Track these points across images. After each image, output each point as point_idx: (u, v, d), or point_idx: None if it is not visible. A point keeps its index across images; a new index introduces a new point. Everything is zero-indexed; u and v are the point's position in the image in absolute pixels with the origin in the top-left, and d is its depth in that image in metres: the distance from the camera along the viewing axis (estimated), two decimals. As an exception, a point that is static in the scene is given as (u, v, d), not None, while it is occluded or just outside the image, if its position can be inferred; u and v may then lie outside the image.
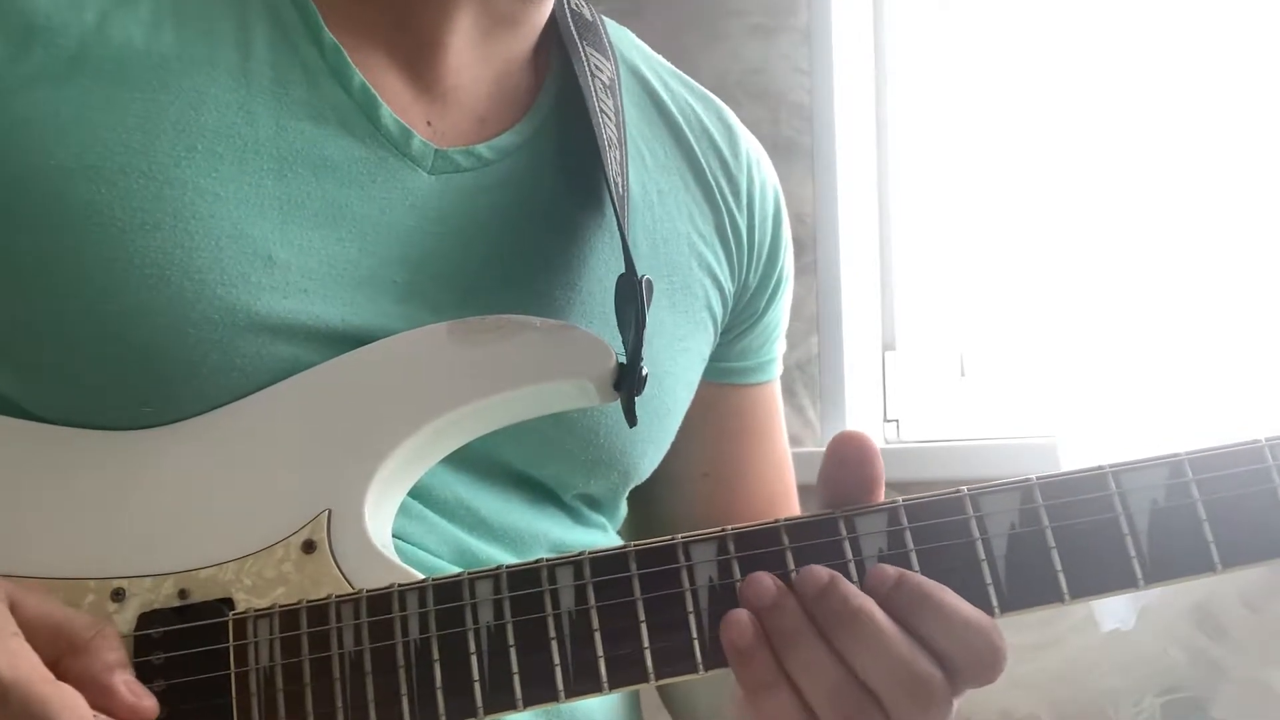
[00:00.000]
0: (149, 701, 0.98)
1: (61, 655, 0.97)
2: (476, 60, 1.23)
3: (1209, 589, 2.15)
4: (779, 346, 1.47)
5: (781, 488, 1.48)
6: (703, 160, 1.35)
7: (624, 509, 1.33)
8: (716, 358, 1.37)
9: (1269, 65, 2.33)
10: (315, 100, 1.15)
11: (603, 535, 1.29)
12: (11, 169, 1.07)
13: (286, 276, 1.10)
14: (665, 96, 1.36)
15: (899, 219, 2.72)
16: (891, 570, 0.98)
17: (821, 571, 0.97)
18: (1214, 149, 2.35)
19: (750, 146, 1.41)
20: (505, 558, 1.17)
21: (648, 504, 1.38)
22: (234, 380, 1.08)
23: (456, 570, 1.12)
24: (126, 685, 0.98)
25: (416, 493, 1.12)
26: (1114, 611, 2.14)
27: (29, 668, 0.93)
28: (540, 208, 1.22)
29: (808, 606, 0.97)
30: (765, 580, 0.98)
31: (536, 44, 1.28)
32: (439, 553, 1.14)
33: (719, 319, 1.35)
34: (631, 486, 1.29)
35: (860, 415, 2.62)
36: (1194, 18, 2.38)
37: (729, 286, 1.35)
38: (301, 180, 1.13)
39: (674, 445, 1.32)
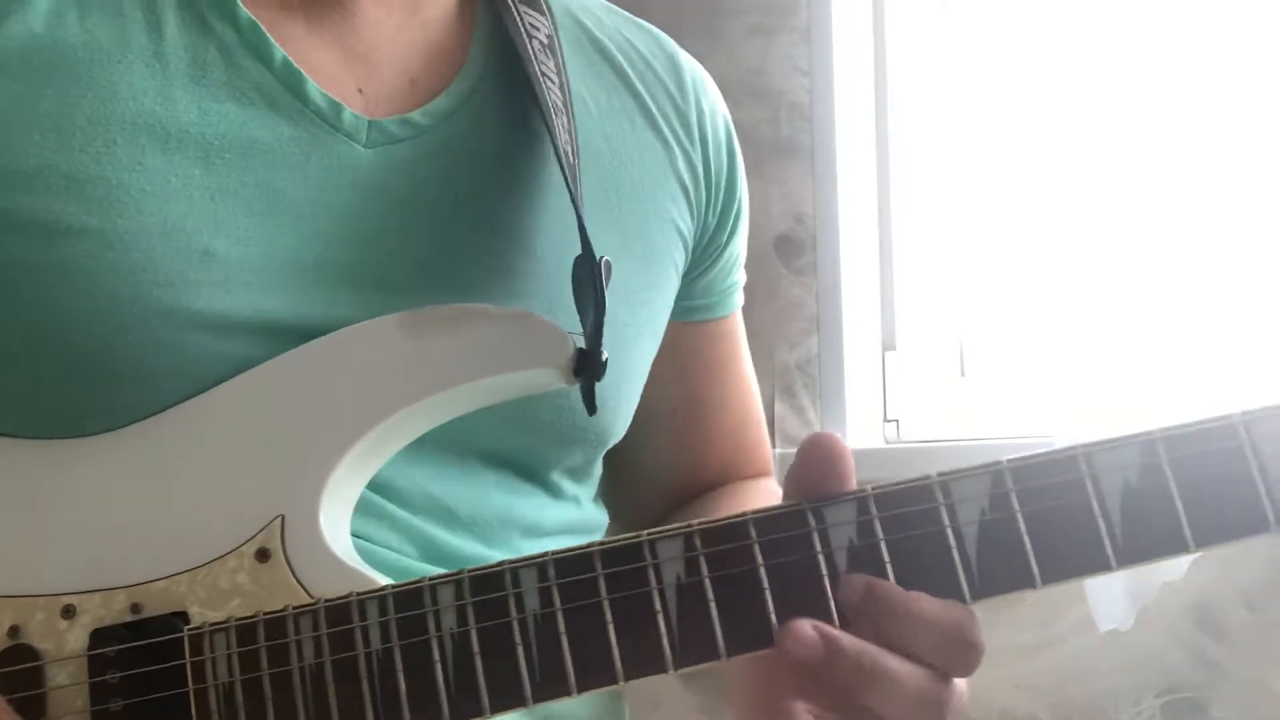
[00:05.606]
0: None
1: None
2: (393, 18, 1.19)
3: (1208, 589, 2.13)
4: (739, 275, 1.43)
5: (750, 415, 1.46)
6: (649, 99, 1.30)
7: (599, 470, 1.30)
8: (679, 297, 1.33)
9: (1269, 65, 2.32)
10: (237, 80, 1.11)
11: (577, 510, 1.26)
12: None
13: (226, 270, 1.06)
14: (603, 36, 1.31)
15: (899, 219, 2.70)
16: (858, 583, 0.96)
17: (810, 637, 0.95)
18: (1214, 149, 2.34)
19: (695, 75, 1.36)
20: (474, 548, 1.14)
21: (619, 450, 1.32)
22: (184, 383, 1.05)
23: (424, 566, 1.10)
24: None
25: (377, 487, 1.09)
26: (1111, 612, 2.12)
27: None
28: (486, 172, 1.17)
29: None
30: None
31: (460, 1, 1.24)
32: (403, 550, 1.11)
33: (680, 265, 1.31)
34: (608, 448, 1.26)
35: (860, 415, 2.60)
36: (1194, 17, 2.37)
37: (688, 228, 1.31)
38: (231, 167, 1.08)
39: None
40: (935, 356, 2.63)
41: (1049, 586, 0.96)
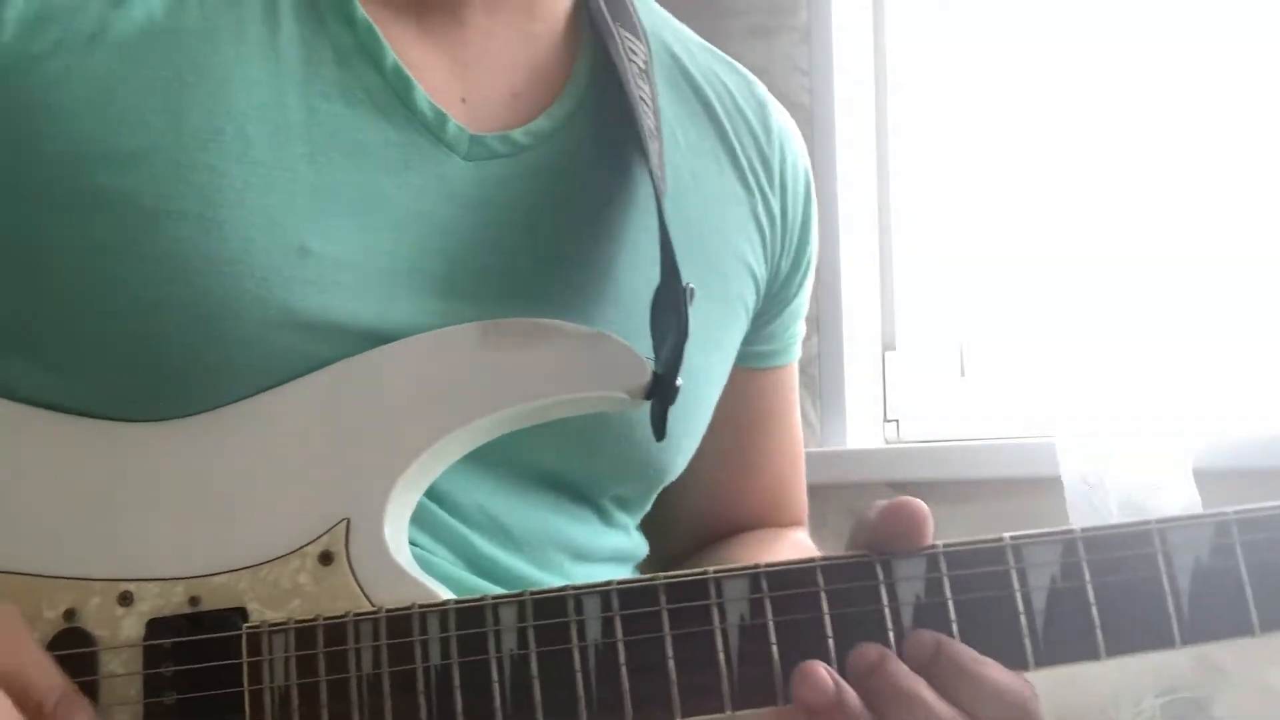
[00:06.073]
0: None
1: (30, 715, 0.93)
2: (503, 29, 1.18)
3: None
4: (801, 326, 1.43)
5: (794, 467, 1.47)
6: (735, 140, 1.29)
7: (649, 503, 1.29)
8: (743, 341, 1.32)
9: (1269, 65, 2.34)
10: (347, 81, 1.10)
11: (625, 537, 1.25)
12: (29, 152, 1.02)
13: (321, 269, 1.05)
14: (696, 72, 1.30)
15: (899, 219, 2.70)
16: (929, 639, 0.95)
17: (870, 651, 0.95)
18: (1214, 148, 2.36)
19: (782, 123, 1.35)
20: (523, 567, 1.13)
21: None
22: (263, 380, 1.04)
23: (471, 577, 1.10)
24: None
25: (434, 496, 1.08)
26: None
27: (9, 716, 0.91)
28: (577, 196, 1.17)
29: (860, 687, 0.94)
30: (821, 676, 0.94)
31: (567, 20, 1.23)
32: (451, 560, 1.10)
33: (750, 308, 1.30)
34: (664, 485, 1.25)
35: (860, 415, 2.60)
36: (1194, 17, 2.39)
37: (761, 273, 1.30)
38: (335, 166, 1.07)
39: None
40: (935, 356, 2.64)
41: (1111, 659, 0.96)
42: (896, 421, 2.64)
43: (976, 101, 2.61)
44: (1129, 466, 2.11)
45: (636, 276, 1.16)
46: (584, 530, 1.19)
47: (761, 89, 1.36)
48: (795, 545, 1.40)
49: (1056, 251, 2.48)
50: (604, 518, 1.22)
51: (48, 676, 0.95)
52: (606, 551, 1.22)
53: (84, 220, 1.02)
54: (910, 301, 2.69)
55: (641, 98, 1.19)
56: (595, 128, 1.20)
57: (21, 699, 0.93)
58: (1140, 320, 2.33)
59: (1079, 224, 2.45)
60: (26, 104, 1.03)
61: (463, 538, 1.11)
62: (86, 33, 1.04)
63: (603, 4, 1.24)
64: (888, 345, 2.67)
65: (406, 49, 1.13)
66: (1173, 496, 2.04)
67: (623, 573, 1.24)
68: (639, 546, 1.28)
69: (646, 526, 1.31)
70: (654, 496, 1.28)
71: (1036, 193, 2.52)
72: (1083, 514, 2.10)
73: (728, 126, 1.29)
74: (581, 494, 1.19)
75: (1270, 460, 2.17)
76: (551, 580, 1.13)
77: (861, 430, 2.59)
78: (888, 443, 2.62)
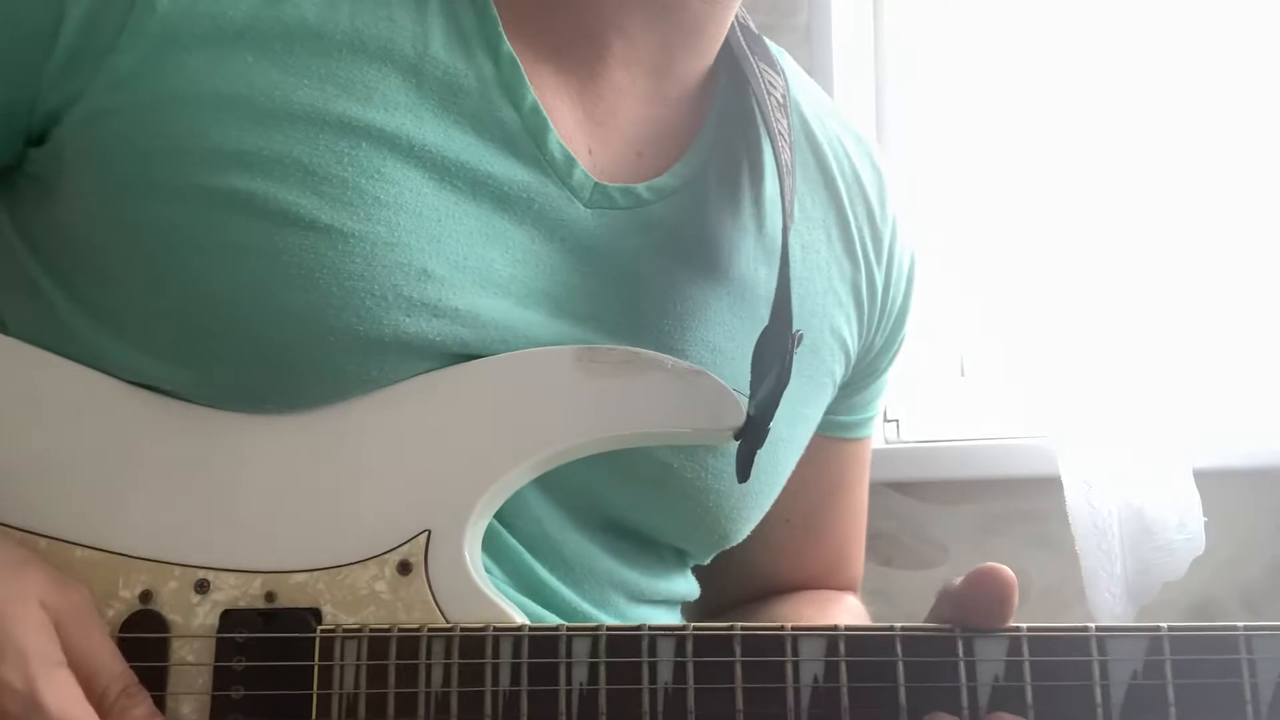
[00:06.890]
0: None
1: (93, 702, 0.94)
2: (637, 88, 1.17)
3: (1208, 589, 2.13)
4: (881, 403, 1.43)
5: (855, 536, 1.46)
6: (850, 211, 1.29)
7: (708, 560, 1.28)
8: (826, 411, 1.32)
9: (1270, 65, 2.32)
10: (484, 114, 1.09)
11: (682, 582, 1.25)
12: (161, 142, 1.01)
13: (438, 293, 1.04)
14: (822, 138, 1.29)
15: (898, 219, 2.68)
16: None
17: None
18: (1214, 148, 2.35)
19: (894, 201, 1.35)
20: (578, 601, 1.13)
21: None
22: (362, 392, 1.03)
23: (526, 603, 1.09)
24: None
25: (503, 519, 1.08)
26: (1112, 611, 2.11)
27: (78, 706, 0.91)
28: (686, 257, 1.16)
29: None
30: None
31: (699, 83, 1.21)
32: (510, 583, 1.10)
33: (838, 380, 1.30)
34: (723, 549, 1.24)
35: (859, 415, 2.60)
36: (1195, 17, 2.37)
37: (854, 347, 1.30)
38: (460, 194, 1.06)
39: None
40: (935, 356, 2.62)
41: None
42: (896, 421, 2.62)
43: (977, 102, 2.59)
44: (1129, 466, 2.10)
45: (729, 341, 1.16)
46: (642, 575, 1.19)
47: (881, 160, 1.35)
48: (849, 611, 1.40)
49: (1057, 252, 2.46)
50: (663, 566, 1.21)
51: (112, 666, 0.96)
52: (661, 594, 1.21)
53: (214, 219, 1.00)
54: (910, 301, 2.67)
55: (780, 131, 1.18)
56: (714, 187, 1.19)
57: (86, 685, 0.93)
58: (1140, 320, 2.32)
59: (1079, 224, 2.44)
60: (165, 93, 1.01)
61: (526, 564, 1.10)
62: (235, 28, 1.02)
63: (740, 36, 1.23)
64: (888, 345, 2.67)
65: (543, 92, 1.12)
66: (1173, 496, 2.04)
67: (673, 615, 1.25)
68: (692, 590, 1.28)
69: (700, 571, 1.30)
70: (713, 555, 1.27)
71: (1036, 193, 2.50)
72: (1083, 514, 2.09)
73: (844, 197, 1.29)
74: (645, 543, 1.18)
75: (1270, 460, 2.17)
76: (605, 616, 1.14)
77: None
78: (888, 443, 2.60)
